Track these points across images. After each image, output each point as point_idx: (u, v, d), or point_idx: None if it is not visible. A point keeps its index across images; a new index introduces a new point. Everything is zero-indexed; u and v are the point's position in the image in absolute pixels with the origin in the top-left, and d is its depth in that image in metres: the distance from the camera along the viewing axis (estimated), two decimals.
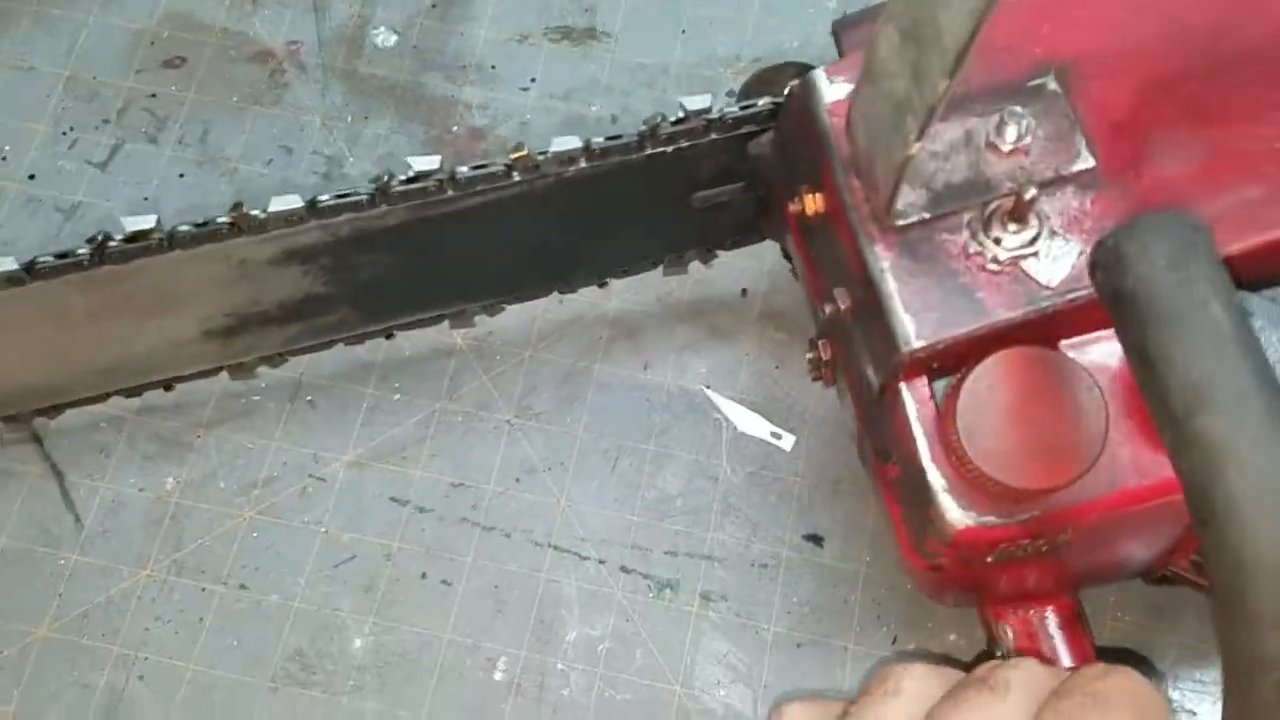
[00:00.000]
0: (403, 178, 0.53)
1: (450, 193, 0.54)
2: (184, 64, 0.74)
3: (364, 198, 0.53)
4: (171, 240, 0.52)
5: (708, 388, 0.66)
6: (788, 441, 0.65)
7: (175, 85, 0.73)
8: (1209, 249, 0.36)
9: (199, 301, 0.57)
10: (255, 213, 0.52)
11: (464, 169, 0.53)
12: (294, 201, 0.52)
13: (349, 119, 0.72)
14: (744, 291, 0.68)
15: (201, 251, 0.53)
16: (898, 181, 0.42)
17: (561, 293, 0.63)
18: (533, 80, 0.74)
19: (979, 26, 0.35)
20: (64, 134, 0.73)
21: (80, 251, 0.52)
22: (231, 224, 0.52)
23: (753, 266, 0.67)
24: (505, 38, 0.75)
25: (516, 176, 0.54)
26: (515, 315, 0.64)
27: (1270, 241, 0.42)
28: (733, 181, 0.58)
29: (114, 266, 0.53)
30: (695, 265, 0.64)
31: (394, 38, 0.74)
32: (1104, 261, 0.36)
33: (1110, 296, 0.36)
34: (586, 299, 0.67)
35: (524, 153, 0.54)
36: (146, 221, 0.51)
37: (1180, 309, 0.34)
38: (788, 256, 0.59)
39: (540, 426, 0.66)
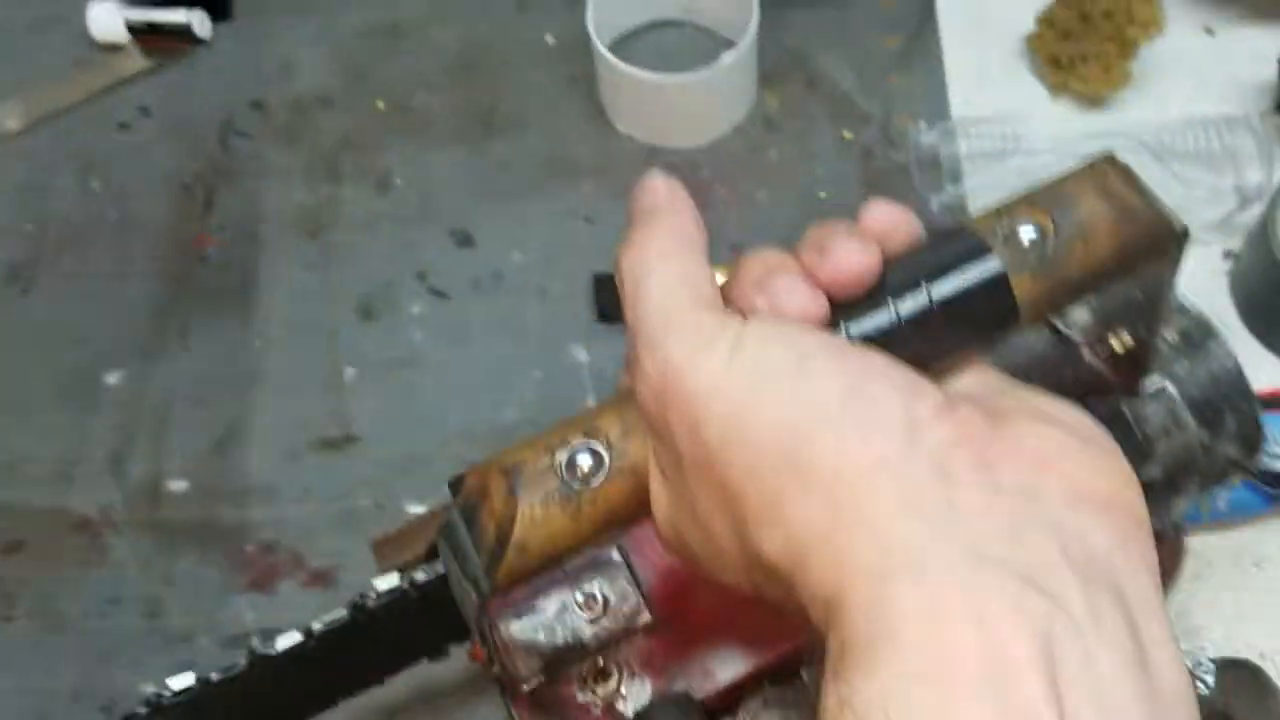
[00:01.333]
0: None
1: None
2: (22, 546, 0.88)
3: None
4: None
5: None
6: None
7: (18, 566, 0.87)
8: (700, 713, 0.51)
9: None
10: None
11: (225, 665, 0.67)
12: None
13: (161, 562, 0.86)
14: None
15: None
16: (509, 666, 0.57)
17: (349, 699, 0.77)
18: (306, 490, 0.88)
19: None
20: None
21: None
22: None
23: None
24: (278, 459, 0.89)
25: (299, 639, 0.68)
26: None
27: (761, 667, 0.56)
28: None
29: None
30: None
31: (184, 483, 0.89)
32: None
33: None
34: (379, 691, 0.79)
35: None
36: None
37: None
38: None
39: None
